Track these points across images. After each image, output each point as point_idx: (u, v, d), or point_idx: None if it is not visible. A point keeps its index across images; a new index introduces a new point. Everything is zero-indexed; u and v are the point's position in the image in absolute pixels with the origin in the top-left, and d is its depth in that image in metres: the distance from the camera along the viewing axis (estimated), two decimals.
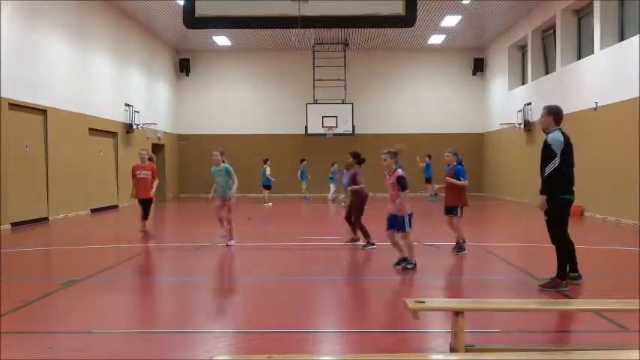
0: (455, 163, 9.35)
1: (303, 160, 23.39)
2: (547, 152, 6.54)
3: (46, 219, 15.05)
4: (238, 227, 10.92)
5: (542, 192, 6.57)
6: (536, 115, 18.48)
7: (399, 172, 7.89)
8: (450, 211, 9.31)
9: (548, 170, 6.48)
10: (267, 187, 21.38)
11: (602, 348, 4.24)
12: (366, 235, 10.04)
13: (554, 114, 6.67)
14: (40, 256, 10.22)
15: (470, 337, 4.33)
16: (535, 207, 6.85)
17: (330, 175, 22.65)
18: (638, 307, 4.33)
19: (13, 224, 13.50)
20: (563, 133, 6.58)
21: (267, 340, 5.06)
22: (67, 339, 5.09)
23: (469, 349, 4.14)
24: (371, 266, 8.84)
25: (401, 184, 7.82)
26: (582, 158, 15.89)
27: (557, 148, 6.45)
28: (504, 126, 23.14)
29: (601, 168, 15.19)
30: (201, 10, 5.76)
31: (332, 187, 22.50)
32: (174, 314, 6.05)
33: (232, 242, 10.34)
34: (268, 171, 21.52)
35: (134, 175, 11.50)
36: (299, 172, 23.19)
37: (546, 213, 6.61)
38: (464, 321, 4.11)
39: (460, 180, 9.17)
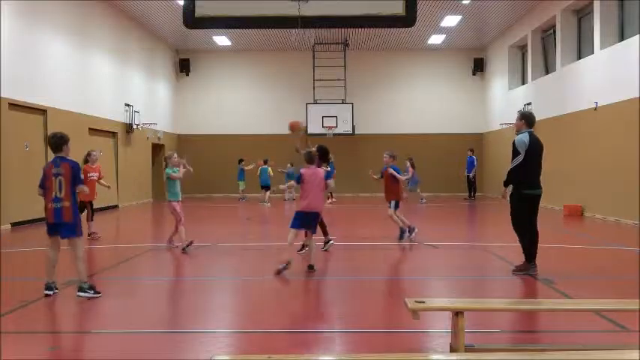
0: (392, 163, 10.68)
1: (241, 161, 23.18)
2: (514, 151, 7.46)
3: None
4: (238, 227, 10.89)
5: (504, 184, 7.68)
6: (536, 115, 18.45)
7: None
8: (389, 204, 10.53)
9: (511, 166, 7.43)
10: (267, 187, 21.38)
11: (602, 348, 4.24)
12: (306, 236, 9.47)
13: (525, 119, 7.63)
14: (40, 256, 10.18)
15: (470, 337, 4.34)
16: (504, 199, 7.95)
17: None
18: (638, 307, 4.33)
19: (13, 224, 13.50)
20: (532, 135, 7.48)
21: (267, 340, 5.06)
22: (67, 339, 5.09)
23: (469, 349, 4.14)
24: (370, 266, 8.83)
25: None
26: (582, 158, 16.17)
27: (522, 148, 7.34)
28: (504, 126, 23.13)
29: (601, 168, 15.19)
30: (201, 10, 5.77)
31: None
32: (174, 314, 6.05)
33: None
34: (271, 171, 21.49)
35: (86, 178, 10.76)
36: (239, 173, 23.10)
37: (511, 204, 7.56)
38: (464, 321, 4.11)
39: (399, 175, 10.56)
